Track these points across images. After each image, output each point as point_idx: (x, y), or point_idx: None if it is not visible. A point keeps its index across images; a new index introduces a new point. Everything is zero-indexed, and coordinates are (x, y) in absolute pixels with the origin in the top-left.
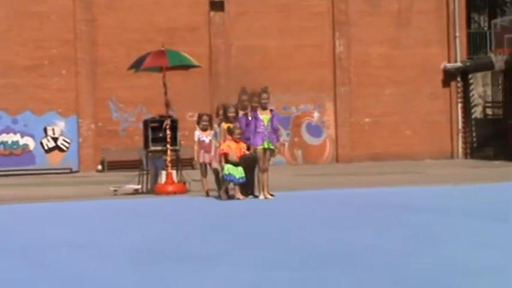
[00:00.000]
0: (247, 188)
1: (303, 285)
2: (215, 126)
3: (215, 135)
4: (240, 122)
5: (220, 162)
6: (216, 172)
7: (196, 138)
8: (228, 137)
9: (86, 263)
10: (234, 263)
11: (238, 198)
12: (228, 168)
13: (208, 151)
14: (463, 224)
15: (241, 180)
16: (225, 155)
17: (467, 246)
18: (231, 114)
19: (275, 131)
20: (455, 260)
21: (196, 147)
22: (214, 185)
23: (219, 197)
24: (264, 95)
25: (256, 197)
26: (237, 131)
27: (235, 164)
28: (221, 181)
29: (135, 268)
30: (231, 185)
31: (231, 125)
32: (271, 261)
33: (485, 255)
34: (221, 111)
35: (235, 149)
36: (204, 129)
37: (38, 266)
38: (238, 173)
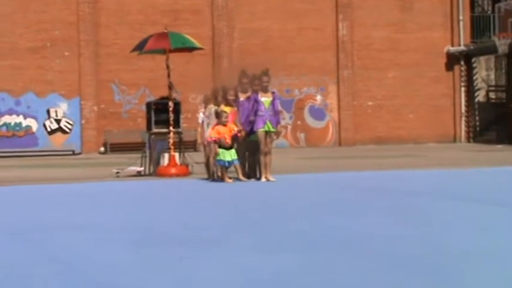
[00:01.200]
0: (250, 170)
1: (300, 269)
2: (213, 107)
3: (207, 117)
4: (242, 106)
5: (212, 149)
6: (207, 156)
7: (200, 120)
8: (224, 118)
9: (86, 245)
10: (233, 246)
11: (226, 182)
12: (222, 153)
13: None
14: (463, 208)
15: (232, 163)
16: (216, 141)
17: (465, 230)
18: (230, 97)
19: (276, 113)
20: (453, 244)
21: (200, 129)
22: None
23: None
24: (265, 78)
25: (259, 179)
26: (224, 115)
27: (227, 148)
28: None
29: (135, 250)
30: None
31: (219, 109)
32: (270, 246)
33: (484, 239)
34: (220, 93)
35: (223, 132)
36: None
37: (38, 247)
38: (230, 155)
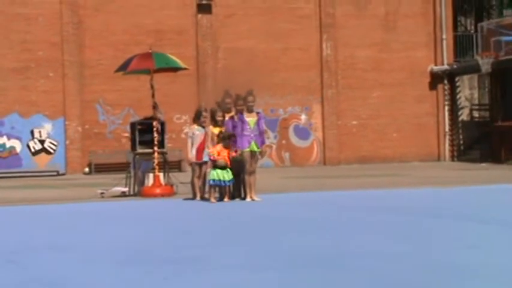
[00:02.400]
0: (235, 190)
1: (285, 287)
2: (195, 127)
3: (191, 138)
4: (226, 126)
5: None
6: (193, 173)
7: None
8: (215, 139)
9: (70, 266)
10: (218, 265)
11: (211, 202)
12: (218, 174)
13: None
14: (448, 226)
15: (229, 183)
16: (214, 161)
17: (452, 247)
18: (219, 118)
19: (261, 133)
20: (440, 262)
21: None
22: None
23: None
24: (250, 98)
25: (244, 199)
26: (231, 139)
27: (224, 168)
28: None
29: (119, 271)
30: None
31: (223, 131)
32: (255, 264)
33: (469, 257)
34: (204, 114)
35: (223, 153)
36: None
37: (21, 268)
38: (228, 176)
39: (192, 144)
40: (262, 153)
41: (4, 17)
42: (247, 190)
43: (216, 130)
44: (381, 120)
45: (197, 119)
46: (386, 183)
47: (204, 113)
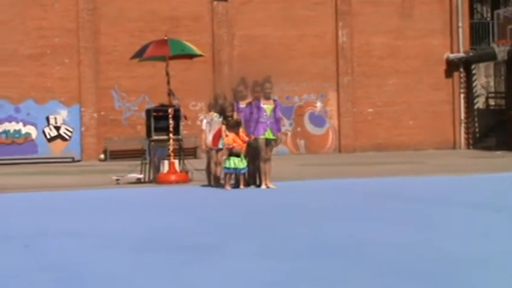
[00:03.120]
0: (250, 177)
1: (302, 275)
2: (214, 114)
3: (209, 124)
4: (243, 113)
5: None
6: (208, 160)
7: (204, 127)
8: (227, 132)
9: (87, 253)
10: (233, 252)
11: (227, 189)
12: (234, 162)
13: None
14: (464, 215)
15: (244, 171)
16: (230, 149)
17: (465, 236)
18: (229, 114)
19: (277, 120)
20: (452, 251)
21: (203, 135)
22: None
23: (216, 185)
24: (267, 85)
25: (259, 186)
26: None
27: (239, 155)
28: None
29: (135, 257)
30: (221, 175)
31: (235, 118)
32: (270, 251)
33: (484, 246)
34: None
35: (239, 142)
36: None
37: (37, 254)
38: (242, 163)
39: (210, 131)
40: (278, 141)
41: (20, 3)
42: (262, 177)
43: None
44: (396, 108)
45: (214, 105)
46: (401, 171)
47: (220, 101)
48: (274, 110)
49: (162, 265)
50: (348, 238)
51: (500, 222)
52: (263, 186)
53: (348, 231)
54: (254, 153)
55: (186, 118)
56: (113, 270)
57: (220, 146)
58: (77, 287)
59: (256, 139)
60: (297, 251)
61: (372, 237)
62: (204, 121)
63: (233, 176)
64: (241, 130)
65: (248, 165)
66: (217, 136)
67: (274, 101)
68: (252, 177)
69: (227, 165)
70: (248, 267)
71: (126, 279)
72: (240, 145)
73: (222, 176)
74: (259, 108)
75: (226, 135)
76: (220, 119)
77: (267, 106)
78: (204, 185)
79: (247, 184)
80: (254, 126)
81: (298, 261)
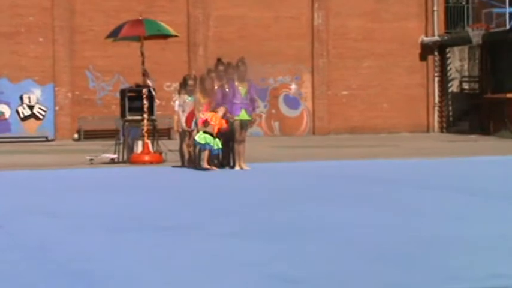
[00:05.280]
0: (224, 159)
1: (279, 256)
2: (185, 96)
3: (181, 106)
4: (216, 94)
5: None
6: (181, 141)
7: (176, 108)
8: (201, 108)
9: (58, 232)
10: (207, 233)
11: (207, 168)
12: (206, 138)
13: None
14: (436, 197)
15: (217, 152)
16: (205, 123)
17: (439, 219)
18: (208, 87)
19: (252, 101)
20: (426, 233)
21: (176, 116)
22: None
23: (190, 166)
24: (242, 67)
25: (232, 167)
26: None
27: (212, 136)
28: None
29: (108, 237)
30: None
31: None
32: (245, 232)
33: (457, 228)
34: (191, 82)
35: (215, 122)
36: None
37: (8, 233)
38: (216, 144)
39: (183, 112)
40: (252, 122)
41: None
42: (236, 158)
43: (204, 100)
44: (371, 91)
45: (184, 87)
46: (376, 153)
47: (190, 81)
48: (248, 91)
49: (135, 245)
50: (323, 220)
51: (475, 205)
52: (237, 168)
53: (323, 213)
54: (228, 135)
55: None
56: (86, 249)
57: (193, 127)
58: (48, 266)
59: (232, 120)
60: (273, 232)
61: (349, 220)
62: (177, 102)
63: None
64: (220, 114)
65: (222, 147)
66: (191, 117)
67: (249, 81)
68: (226, 158)
69: (198, 139)
70: (223, 247)
71: (98, 259)
72: (213, 126)
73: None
74: (234, 89)
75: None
76: (192, 100)
77: (241, 88)
78: (177, 166)
79: (220, 165)
80: (229, 107)
81: (275, 242)
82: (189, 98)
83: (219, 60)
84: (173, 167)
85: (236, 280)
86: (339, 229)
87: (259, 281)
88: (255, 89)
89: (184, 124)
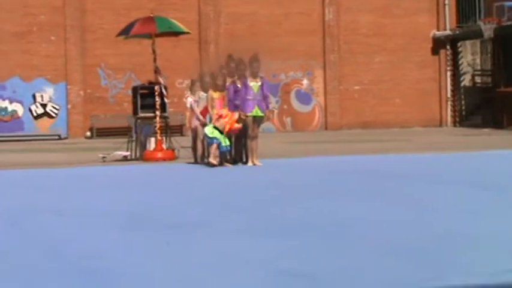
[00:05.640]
0: (236, 155)
1: (291, 253)
2: (200, 92)
3: (197, 102)
4: (228, 90)
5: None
6: (194, 137)
7: (188, 105)
8: (214, 104)
9: (71, 230)
10: (220, 230)
11: (213, 164)
12: (214, 132)
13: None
14: (449, 192)
15: (226, 149)
16: (218, 118)
17: (452, 213)
18: (219, 83)
19: (265, 98)
20: (439, 228)
21: (188, 113)
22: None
23: (202, 163)
24: (255, 64)
25: (245, 163)
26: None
27: (221, 132)
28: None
29: (121, 235)
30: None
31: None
32: (258, 229)
33: (470, 223)
34: (207, 79)
35: (228, 120)
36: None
37: (22, 231)
38: (225, 141)
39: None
40: (266, 118)
41: None
42: (249, 155)
43: (216, 94)
44: (383, 86)
45: (201, 83)
46: (388, 148)
47: (206, 78)
48: (261, 87)
49: (148, 243)
50: (335, 215)
51: (488, 200)
52: (249, 164)
53: (335, 209)
54: (241, 131)
55: (167, 96)
56: (98, 247)
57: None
58: (61, 265)
59: (244, 116)
60: (285, 228)
61: (361, 215)
62: (189, 99)
63: (218, 153)
64: (220, 107)
65: (231, 144)
66: (204, 113)
67: (261, 78)
68: (239, 155)
69: (208, 133)
70: (235, 245)
71: (111, 256)
72: (225, 123)
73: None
74: (246, 86)
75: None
76: (206, 96)
77: (254, 84)
78: (190, 163)
79: (233, 162)
80: (242, 104)
81: (287, 238)
82: (205, 94)
83: (229, 56)
84: (186, 163)
85: (247, 276)
86: (351, 224)
87: (269, 277)
88: (267, 85)
89: (200, 117)
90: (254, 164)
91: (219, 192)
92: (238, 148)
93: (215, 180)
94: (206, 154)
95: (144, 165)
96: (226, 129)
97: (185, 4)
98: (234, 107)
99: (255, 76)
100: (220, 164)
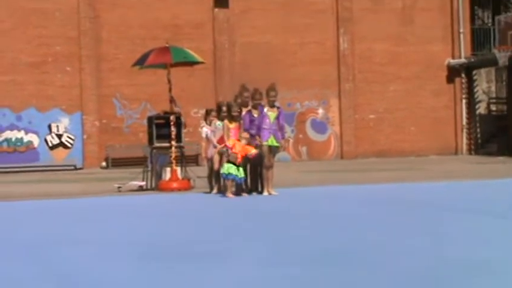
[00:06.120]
0: (252, 184)
1: (307, 282)
2: (217, 122)
3: (214, 131)
4: (244, 119)
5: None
6: (210, 167)
7: (204, 135)
8: (230, 134)
9: (88, 260)
10: (236, 260)
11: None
12: (228, 168)
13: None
14: (465, 220)
15: (241, 180)
16: (228, 150)
17: (467, 242)
18: (235, 113)
19: (281, 128)
20: (455, 256)
21: (204, 143)
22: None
23: (221, 194)
24: (272, 93)
25: (260, 193)
26: (244, 137)
27: (235, 164)
28: (220, 178)
29: (138, 265)
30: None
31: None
32: (274, 259)
33: (485, 251)
34: (224, 109)
35: (240, 150)
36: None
37: (39, 262)
38: (239, 173)
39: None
40: (281, 148)
41: (22, 12)
42: (265, 184)
43: (232, 125)
44: (398, 114)
45: (218, 113)
46: (404, 177)
47: (224, 108)
48: (277, 117)
49: (165, 273)
50: (351, 244)
51: (505, 228)
52: (265, 193)
53: (351, 238)
54: (257, 160)
55: (185, 126)
56: (116, 278)
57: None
58: None
59: (260, 145)
60: (302, 258)
61: (376, 243)
62: (204, 129)
63: (234, 184)
64: (235, 137)
65: (245, 175)
66: (220, 143)
67: (278, 108)
68: (254, 184)
69: (222, 171)
70: (251, 274)
71: (129, 287)
72: (236, 154)
73: (224, 183)
74: (263, 114)
75: (227, 138)
76: (222, 125)
77: (270, 113)
78: (206, 193)
79: (249, 191)
80: (257, 133)
81: (303, 268)
82: (221, 124)
83: (243, 86)
84: (202, 193)
85: None
86: (367, 253)
87: None
88: (283, 115)
89: (217, 145)
90: (270, 194)
91: (236, 222)
92: (254, 177)
93: (231, 210)
94: (223, 187)
95: (159, 195)
96: (239, 158)
97: (200, 34)
98: (250, 137)
99: (271, 106)
100: (236, 194)
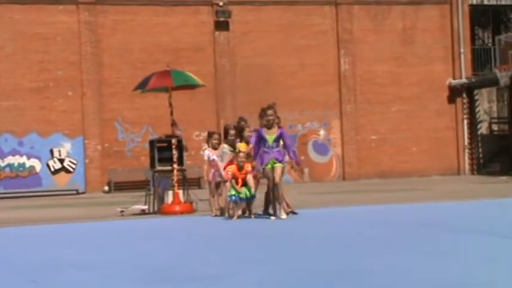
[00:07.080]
0: (265, 208)
1: None
2: (224, 146)
3: (221, 156)
4: (252, 139)
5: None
6: (212, 190)
7: (206, 157)
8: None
9: (92, 285)
10: (240, 283)
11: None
12: (231, 190)
13: (217, 170)
14: (468, 240)
15: (245, 200)
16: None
17: (471, 262)
18: (248, 134)
19: (287, 148)
20: (458, 276)
21: (206, 166)
22: (220, 205)
23: (227, 217)
24: (269, 111)
25: (270, 215)
26: (241, 156)
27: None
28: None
29: None
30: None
31: (239, 149)
32: (276, 282)
33: (491, 271)
34: (232, 132)
35: (238, 174)
36: (214, 148)
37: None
38: (243, 193)
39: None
40: (294, 168)
41: (23, 37)
42: (277, 207)
43: (243, 146)
44: (400, 135)
45: (225, 137)
46: (407, 197)
47: (231, 131)
48: (279, 138)
49: None
50: (354, 266)
51: (507, 248)
52: (283, 216)
53: (354, 259)
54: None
55: (187, 150)
56: None
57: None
58: None
59: (262, 170)
60: (304, 280)
61: (377, 265)
62: (206, 152)
63: (238, 204)
64: (248, 163)
65: (251, 193)
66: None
67: (279, 128)
68: (265, 206)
69: (230, 194)
70: None
71: None
72: (235, 174)
73: (229, 205)
74: (261, 137)
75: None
76: (230, 151)
77: (269, 136)
78: (208, 215)
79: (263, 212)
80: (258, 158)
81: None
82: (227, 148)
83: (240, 118)
84: (204, 216)
85: None
86: (371, 274)
87: None
88: (287, 135)
89: (223, 173)
90: (287, 213)
91: (238, 244)
92: (267, 199)
93: (234, 233)
94: (227, 210)
95: (162, 219)
96: (240, 181)
97: (201, 57)
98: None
99: (270, 127)
100: (243, 214)
